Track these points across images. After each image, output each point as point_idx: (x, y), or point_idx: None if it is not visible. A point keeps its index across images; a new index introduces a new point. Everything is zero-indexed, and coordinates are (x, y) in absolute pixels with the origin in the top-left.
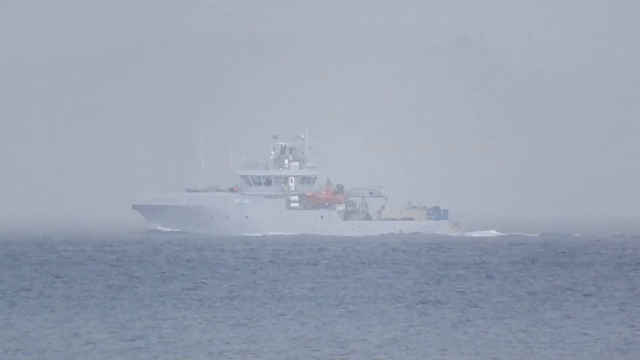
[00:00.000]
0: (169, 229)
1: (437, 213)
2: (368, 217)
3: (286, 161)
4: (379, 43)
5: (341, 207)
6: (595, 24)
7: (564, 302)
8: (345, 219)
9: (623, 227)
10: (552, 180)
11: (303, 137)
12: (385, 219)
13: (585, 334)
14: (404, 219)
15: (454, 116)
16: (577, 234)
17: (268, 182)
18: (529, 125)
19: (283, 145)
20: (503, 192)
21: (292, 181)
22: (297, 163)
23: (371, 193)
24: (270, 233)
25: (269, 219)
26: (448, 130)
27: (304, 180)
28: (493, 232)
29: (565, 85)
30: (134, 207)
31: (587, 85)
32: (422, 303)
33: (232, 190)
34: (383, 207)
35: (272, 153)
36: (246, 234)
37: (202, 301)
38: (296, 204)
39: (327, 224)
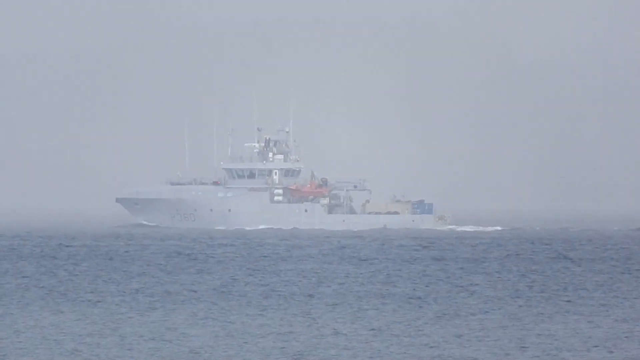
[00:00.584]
0: (153, 224)
1: (421, 207)
2: (352, 211)
3: (270, 154)
4: (367, 35)
5: (325, 201)
6: (602, 17)
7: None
8: (329, 212)
9: (625, 222)
10: (547, 174)
11: (287, 130)
12: (369, 213)
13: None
14: (388, 212)
15: (441, 110)
16: (578, 229)
17: (252, 175)
18: (520, 118)
19: (267, 138)
20: (492, 185)
21: (276, 174)
22: (281, 156)
23: (355, 186)
24: (254, 226)
25: (253, 212)
26: (434, 124)
27: (288, 173)
28: (480, 228)
29: (567, 78)
30: (118, 200)
31: (590, 77)
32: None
33: (215, 183)
34: (367, 201)
35: (256, 146)
36: (230, 227)
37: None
38: (280, 197)
39: (311, 218)
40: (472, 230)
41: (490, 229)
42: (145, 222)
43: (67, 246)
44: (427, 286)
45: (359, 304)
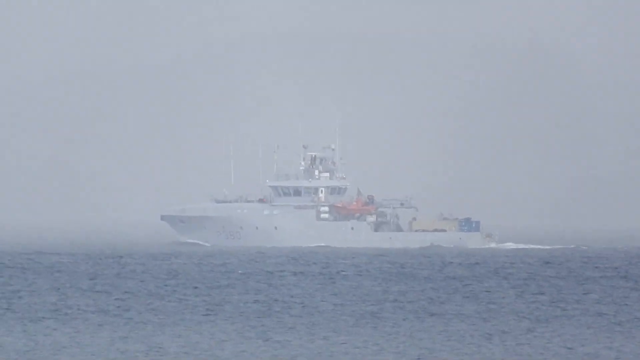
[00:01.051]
0: (200, 242)
1: (468, 224)
2: (399, 228)
3: (316, 172)
4: (414, 51)
5: (372, 218)
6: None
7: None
8: (375, 230)
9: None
10: (592, 192)
11: (333, 147)
12: (416, 230)
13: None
14: (435, 230)
15: (487, 127)
16: (620, 246)
17: (298, 193)
18: (571, 136)
19: (313, 156)
20: (539, 204)
21: (322, 192)
22: (327, 174)
23: (402, 204)
24: (300, 244)
25: (299, 229)
26: (481, 141)
27: (334, 191)
28: (530, 245)
29: (611, 100)
30: (163, 217)
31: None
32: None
33: (261, 201)
34: (414, 218)
35: (302, 163)
36: (275, 245)
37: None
38: (326, 215)
39: (358, 235)
40: (528, 247)
41: (540, 246)
42: (190, 241)
43: (140, 265)
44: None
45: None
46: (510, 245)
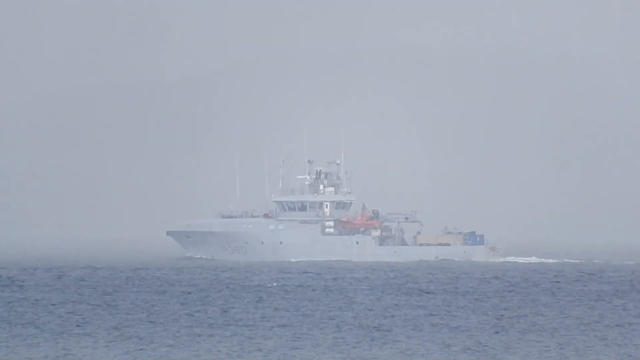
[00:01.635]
0: (205, 257)
1: (473, 238)
2: (404, 243)
3: (321, 186)
4: (418, 66)
5: (377, 233)
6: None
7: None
8: (380, 244)
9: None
10: (600, 206)
11: (338, 162)
12: (421, 244)
13: None
14: (439, 244)
15: (492, 141)
16: (616, 262)
17: (303, 208)
18: (578, 149)
19: (318, 170)
20: (545, 217)
21: (327, 206)
22: (332, 188)
23: (407, 218)
24: (305, 259)
25: (304, 244)
26: (487, 156)
27: (339, 205)
28: (533, 259)
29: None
30: (169, 233)
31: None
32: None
33: (266, 216)
34: (419, 233)
35: (307, 178)
36: (280, 260)
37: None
38: (331, 230)
39: (363, 250)
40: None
41: (550, 260)
42: (197, 256)
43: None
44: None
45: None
46: (511, 259)
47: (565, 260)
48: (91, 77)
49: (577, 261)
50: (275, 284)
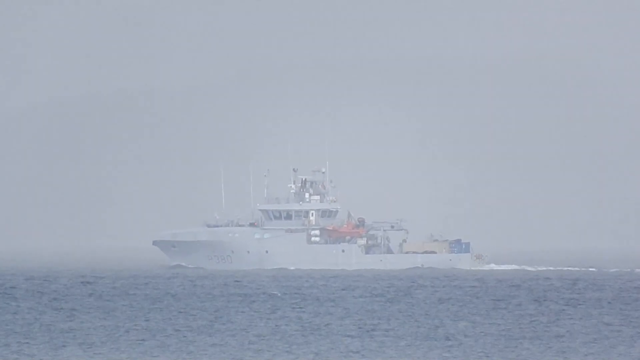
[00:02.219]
0: (192, 265)
1: (459, 246)
2: (389, 251)
3: (307, 195)
4: (402, 74)
5: (362, 241)
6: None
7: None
8: (366, 252)
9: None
10: (587, 214)
11: (324, 170)
12: (406, 252)
13: None
14: (425, 252)
15: (477, 150)
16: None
17: (288, 217)
18: (554, 157)
19: (303, 179)
20: (528, 225)
21: (312, 215)
22: (317, 197)
23: (392, 226)
24: (291, 267)
25: (290, 253)
26: (470, 164)
27: (324, 214)
28: (514, 267)
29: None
30: (154, 243)
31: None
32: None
33: (252, 225)
34: (404, 241)
35: (293, 187)
36: (266, 268)
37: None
38: (317, 238)
39: (349, 258)
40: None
41: (532, 268)
42: (184, 264)
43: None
44: None
45: None
46: (493, 266)
47: (550, 268)
48: (76, 88)
49: (553, 269)
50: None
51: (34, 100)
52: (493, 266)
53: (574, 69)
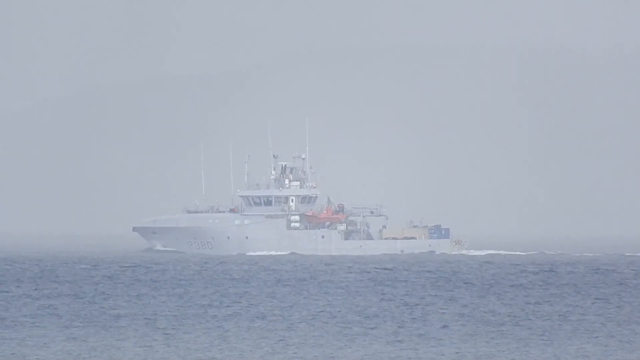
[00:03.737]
0: (170, 249)
1: (438, 232)
2: (369, 237)
3: (287, 181)
4: (380, 60)
5: (342, 227)
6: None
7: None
8: (346, 238)
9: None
10: (570, 199)
11: (303, 156)
12: (386, 238)
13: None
14: (405, 238)
15: (455, 135)
16: (576, 254)
17: (268, 203)
18: (538, 141)
19: (283, 165)
20: (512, 211)
21: (292, 201)
22: (297, 183)
23: (372, 212)
24: (271, 253)
25: (270, 239)
26: (449, 149)
27: (304, 200)
28: (491, 252)
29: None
30: (135, 229)
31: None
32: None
33: (232, 211)
34: (384, 226)
35: (273, 173)
36: (246, 254)
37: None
38: (297, 224)
39: (328, 244)
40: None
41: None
42: (160, 247)
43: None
44: None
45: None
46: (473, 252)
47: (527, 252)
48: (64, 84)
49: (534, 253)
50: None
51: (27, 101)
52: (472, 252)
53: (570, 58)
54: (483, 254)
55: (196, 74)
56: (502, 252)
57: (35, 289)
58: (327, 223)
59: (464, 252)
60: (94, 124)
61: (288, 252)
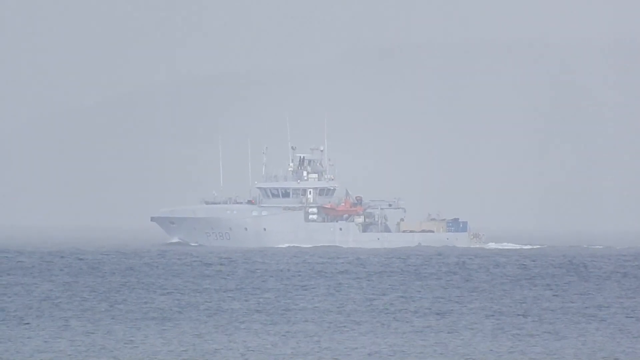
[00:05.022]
0: (194, 243)
1: (456, 225)
2: (387, 229)
3: (305, 173)
4: (401, 56)
5: (360, 219)
6: None
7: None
8: (364, 230)
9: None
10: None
11: (322, 148)
12: (404, 231)
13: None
14: (423, 230)
15: (475, 129)
16: (599, 246)
17: (286, 194)
18: (555, 136)
19: (301, 157)
20: (525, 204)
21: (310, 193)
22: (315, 175)
23: (390, 205)
24: (288, 245)
25: (287, 231)
26: (468, 143)
27: (322, 192)
28: (510, 245)
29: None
30: (153, 219)
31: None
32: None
33: (250, 202)
34: (402, 219)
35: (291, 165)
36: (264, 246)
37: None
38: (315, 216)
39: (346, 236)
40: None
41: (528, 247)
42: (179, 240)
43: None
44: None
45: None
46: (492, 245)
47: (546, 246)
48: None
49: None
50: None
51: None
52: (492, 245)
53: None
54: (502, 247)
55: (218, 73)
56: (528, 245)
57: (104, 279)
58: (345, 215)
59: (482, 245)
60: (118, 120)
61: (306, 245)
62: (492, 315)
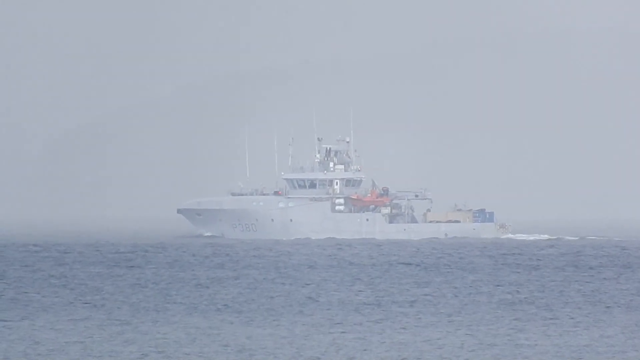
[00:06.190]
0: (215, 235)
1: (482, 215)
2: (413, 220)
3: (331, 164)
4: (425, 44)
5: (386, 210)
6: None
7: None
8: (390, 221)
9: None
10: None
11: (348, 139)
12: (430, 222)
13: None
14: (449, 221)
15: (502, 120)
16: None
17: (313, 185)
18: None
19: (328, 148)
20: (553, 195)
21: (337, 184)
22: (342, 166)
23: (416, 195)
24: (315, 236)
25: (314, 222)
26: (496, 134)
27: (349, 183)
28: (544, 236)
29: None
30: (179, 211)
31: None
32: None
33: (276, 193)
34: (428, 210)
35: (317, 156)
36: (290, 237)
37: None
38: (341, 207)
39: (372, 227)
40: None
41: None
42: (207, 234)
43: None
44: None
45: None
46: (520, 236)
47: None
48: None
49: (576, 238)
50: None
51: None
52: (519, 236)
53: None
54: (531, 238)
55: (247, 67)
56: (548, 236)
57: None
58: (372, 206)
59: (509, 236)
60: (138, 107)
61: (331, 235)
62: None
